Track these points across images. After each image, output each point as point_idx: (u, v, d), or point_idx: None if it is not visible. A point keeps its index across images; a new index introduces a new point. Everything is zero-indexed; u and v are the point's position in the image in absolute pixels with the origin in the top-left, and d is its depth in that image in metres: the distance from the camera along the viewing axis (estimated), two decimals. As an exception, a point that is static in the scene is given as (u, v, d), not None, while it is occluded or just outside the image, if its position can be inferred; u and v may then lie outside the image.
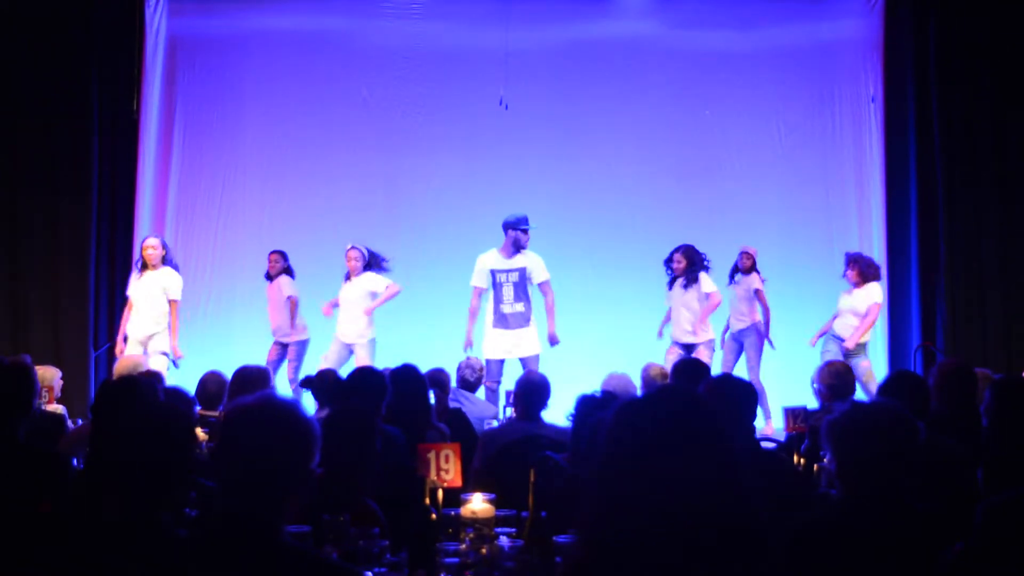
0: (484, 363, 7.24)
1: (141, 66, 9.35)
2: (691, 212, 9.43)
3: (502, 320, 7.58)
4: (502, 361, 7.60)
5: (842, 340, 8.03)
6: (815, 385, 5.19)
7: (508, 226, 7.67)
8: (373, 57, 9.73)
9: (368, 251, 8.32)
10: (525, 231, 7.64)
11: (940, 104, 9.08)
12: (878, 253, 9.24)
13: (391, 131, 9.61)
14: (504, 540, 2.90)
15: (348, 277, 8.32)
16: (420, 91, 9.64)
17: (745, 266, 8.38)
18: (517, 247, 7.64)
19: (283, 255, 8.56)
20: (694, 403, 1.63)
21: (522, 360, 7.51)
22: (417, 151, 9.58)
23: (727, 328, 8.43)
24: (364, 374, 4.50)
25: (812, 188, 9.68)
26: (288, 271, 8.53)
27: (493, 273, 7.64)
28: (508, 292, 7.58)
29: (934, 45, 9.09)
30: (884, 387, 4.24)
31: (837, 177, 9.65)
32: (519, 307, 7.56)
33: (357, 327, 8.17)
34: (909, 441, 2.49)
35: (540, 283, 7.68)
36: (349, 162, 9.66)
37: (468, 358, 6.48)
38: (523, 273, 7.62)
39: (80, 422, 5.55)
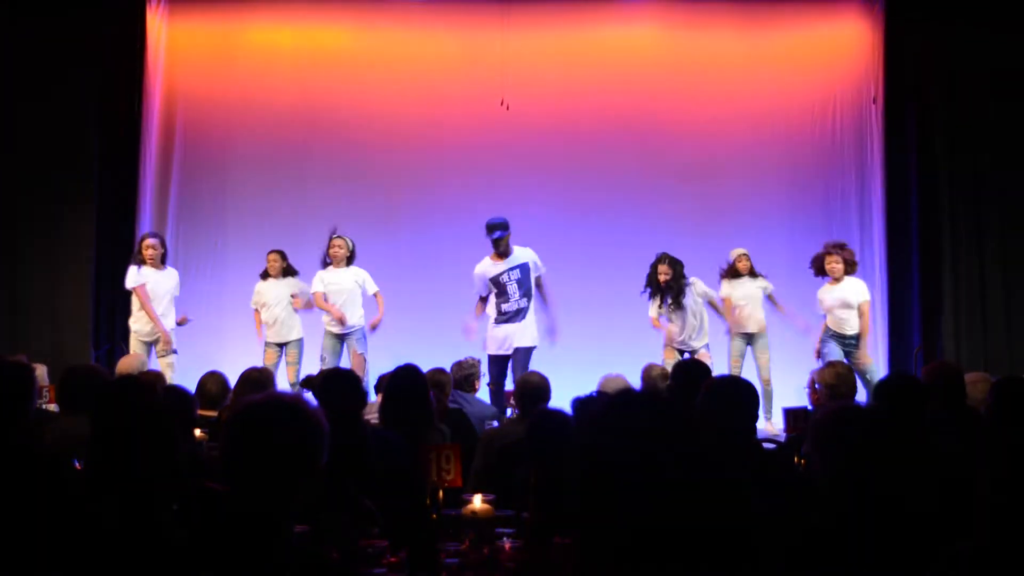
0: (485, 359, 7.21)
1: (142, 66, 9.35)
2: (691, 213, 9.43)
3: (504, 317, 7.55)
4: (505, 360, 7.49)
5: (843, 337, 7.98)
6: (815, 385, 5.17)
7: (487, 236, 7.61)
8: (373, 57, 9.73)
9: (353, 244, 8.28)
10: (491, 240, 7.51)
11: (941, 104, 9.08)
12: (878, 254, 9.25)
13: (392, 130, 9.60)
14: (504, 540, 2.91)
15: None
16: (421, 90, 9.65)
17: (747, 268, 8.39)
18: (500, 253, 7.58)
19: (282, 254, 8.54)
20: (655, 405, 1.62)
21: (516, 350, 7.44)
22: (418, 151, 9.57)
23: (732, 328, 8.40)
24: (333, 376, 4.36)
25: (812, 189, 9.68)
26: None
27: (495, 279, 7.60)
28: (513, 289, 7.55)
29: (934, 45, 9.09)
30: (880, 390, 4.22)
31: (837, 178, 9.65)
32: (524, 302, 7.54)
33: (352, 315, 8.13)
34: (889, 443, 2.49)
35: (538, 276, 7.62)
36: (350, 162, 9.65)
37: (460, 359, 6.44)
38: (524, 268, 7.57)
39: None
